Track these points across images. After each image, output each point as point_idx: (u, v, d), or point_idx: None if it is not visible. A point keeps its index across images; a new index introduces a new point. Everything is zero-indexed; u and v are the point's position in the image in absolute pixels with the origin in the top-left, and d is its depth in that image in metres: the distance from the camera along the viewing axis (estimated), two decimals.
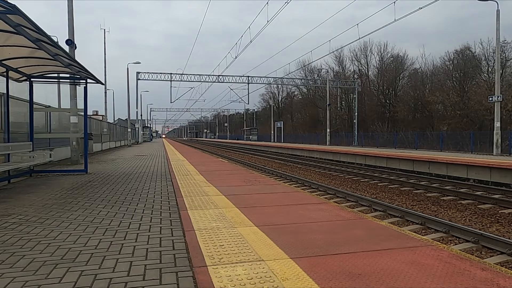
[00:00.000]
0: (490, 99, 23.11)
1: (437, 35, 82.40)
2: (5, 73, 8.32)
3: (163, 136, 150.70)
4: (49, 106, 13.53)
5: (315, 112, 62.00)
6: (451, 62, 44.10)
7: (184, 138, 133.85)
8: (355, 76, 57.49)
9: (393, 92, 52.13)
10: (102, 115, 37.08)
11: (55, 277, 2.76)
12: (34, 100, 10.04)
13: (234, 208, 5.19)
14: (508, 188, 11.09)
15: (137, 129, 53.21)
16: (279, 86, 76.29)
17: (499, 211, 8.43)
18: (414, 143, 30.79)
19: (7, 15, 5.22)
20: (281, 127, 59.01)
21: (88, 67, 8.57)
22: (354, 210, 5.47)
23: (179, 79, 46.11)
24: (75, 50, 13.42)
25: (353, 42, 74.07)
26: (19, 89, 9.85)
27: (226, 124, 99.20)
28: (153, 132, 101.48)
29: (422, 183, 12.55)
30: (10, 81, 8.57)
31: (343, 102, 59.80)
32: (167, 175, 9.51)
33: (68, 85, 13.87)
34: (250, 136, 69.85)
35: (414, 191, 11.28)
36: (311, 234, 3.82)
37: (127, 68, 67.20)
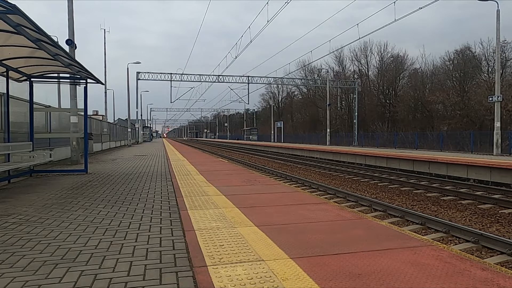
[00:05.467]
0: (490, 99, 23.10)
1: (437, 35, 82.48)
2: (5, 73, 8.32)
3: (165, 135, 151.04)
4: (49, 106, 13.52)
5: (315, 112, 62.03)
6: (451, 62, 44.14)
7: (184, 138, 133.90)
8: (355, 76, 57.52)
9: (393, 92, 52.15)
10: (102, 115, 37.10)
11: (55, 277, 2.77)
12: (34, 100, 10.04)
13: (234, 208, 5.19)
14: (508, 188, 11.09)
15: (137, 129, 53.20)
16: (279, 86, 76.43)
17: (499, 211, 8.43)
18: (414, 143, 30.78)
19: (7, 15, 5.22)
20: (281, 127, 58.99)
21: (88, 67, 8.57)
22: (354, 210, 5.47)
23: (179, 79, 46.16)
24: (75, 50, 13.42)
25: (353, 42, 74.14)
26: (19, 89, 9.84)
27: (226, 124, 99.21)
28: (153, 132, 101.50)
29: (422, 183, 12.55)
30: (10, 81, 8.57)
31: (343, 102, 59.82)
32: (167, 175, 9.51)
33: (68, 85, 13.87)
34: (250, 136, 69.83)
35: (414, 191, 11.28)
36: (311, 234, 3.82)
37: (127, 68, 67.04)
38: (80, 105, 12.19)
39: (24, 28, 5.80)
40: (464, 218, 7.92)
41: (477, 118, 36.16)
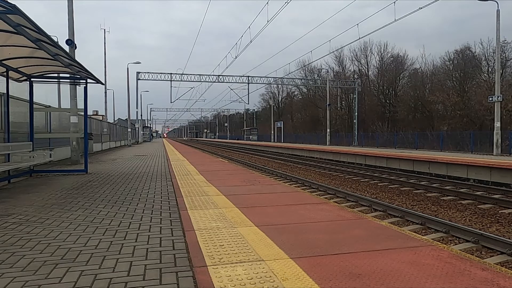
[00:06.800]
0: (490, 99, 23.12)
1: (437, 35, 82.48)
2: (5, 73, 8.32)
3: (165, 135, 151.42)
4: (49, 106, 13.53)
5: (315, 112, 62.00)
6: (451, 62, 44.11)
7: (184, 138, 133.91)
8: (355, 76, 57.50)
9: (393, 92, 52.14)
10: (102, 115, 37.12)
11: (55, 277, 2.77)
12: (34, 100, 10.04)
13: (234, 208, 5.19)
14: (508, 188, 11.09)
15: (137, 129, 53.20)
16: (279, 86, 76.39)
17: (499, 211, 8.43)
18: (414, 143, 30.79)
19: (7, 15, 5.22)
20: (281, 127, 59.01)
21: (88, 67, 8.57)
22: (354, 210, 5.47)
23: (179, 79, 46.17)
24: (75, 50, 13.42)
25: (353, 42, 74.05)
26: (19, 89, 9.85)
27: (226, 124, 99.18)
28: (153, 132, 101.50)
29: (422, 183, 12.55)
30: (10, 81, 8.57)
31: (343, 102, 59.80)
32: (167, 175, 9.51)
33: (68, 85, 13.87)
34: (250, 136, 69.85)
35: (414, 191, 11.28)
36: (311, 234, 3.82)
37: (127, 68, 67.20)
38: (80, 105, 12.21)
39: (24, 28, 5.80)
40: (464, 218, 7.92)
41: (477, 118, 36.15)
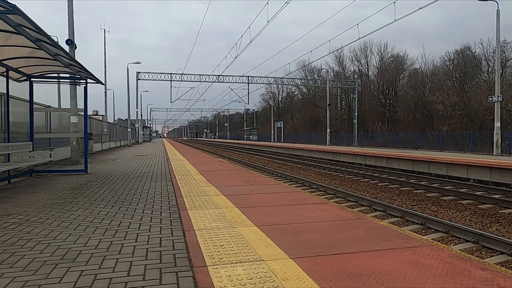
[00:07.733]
0: (490, 99, 23.12)
1: (437, 35, 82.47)
2: (5, 73, 8.32)
3: (165, 135, 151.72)
4: (49, 106, 13.53)
5: (315, 112, 62.01)
6: (451, 62, 44.14)
7: (184, 138, 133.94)
8: (355, 76, 57.50)
9: (393, 92, 52.14)
10: (102, 115, 37.10)
11: (55, 277, 2.77)
12: (34, 100, 10.04)
13: (234, 208, 5.19)
14: (508, 188, 11.08)
15: (137, 129, 53.21)
16: (279, 86, 76.42)
17: (499, 211, 8.43)
18: (414, 143, 30.79)
19: (7, 15, 5.22)
20: (281, 127, 59.01)
21: (88, 67, 8.57)
22: (354, 210, 5.47)
23: (179, 79, 46.19)
24: (75, 50, 13.42)
25: (353, 42, 74.11)
26: (19, 89, 9.85)
27: (226, 124, 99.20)
28: (153, 132, 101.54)
29: (422, 183, 12.55)
30: (10, 81, 8.57)
31: (343, 102, 59.81)
32: (167, 175, 9.51)
33: (68, 85, 13.87)
34: (250, 136, 69.87)
35: (414, 191, 11.28)
36: (311, 234, 3.82)
37: (127, 68, 67.14)
38: (80, 105, 12.21)
39: (24, 28, 5.80)
40: (464, 218, 7.92)
41: (477, 118, 36.15)
